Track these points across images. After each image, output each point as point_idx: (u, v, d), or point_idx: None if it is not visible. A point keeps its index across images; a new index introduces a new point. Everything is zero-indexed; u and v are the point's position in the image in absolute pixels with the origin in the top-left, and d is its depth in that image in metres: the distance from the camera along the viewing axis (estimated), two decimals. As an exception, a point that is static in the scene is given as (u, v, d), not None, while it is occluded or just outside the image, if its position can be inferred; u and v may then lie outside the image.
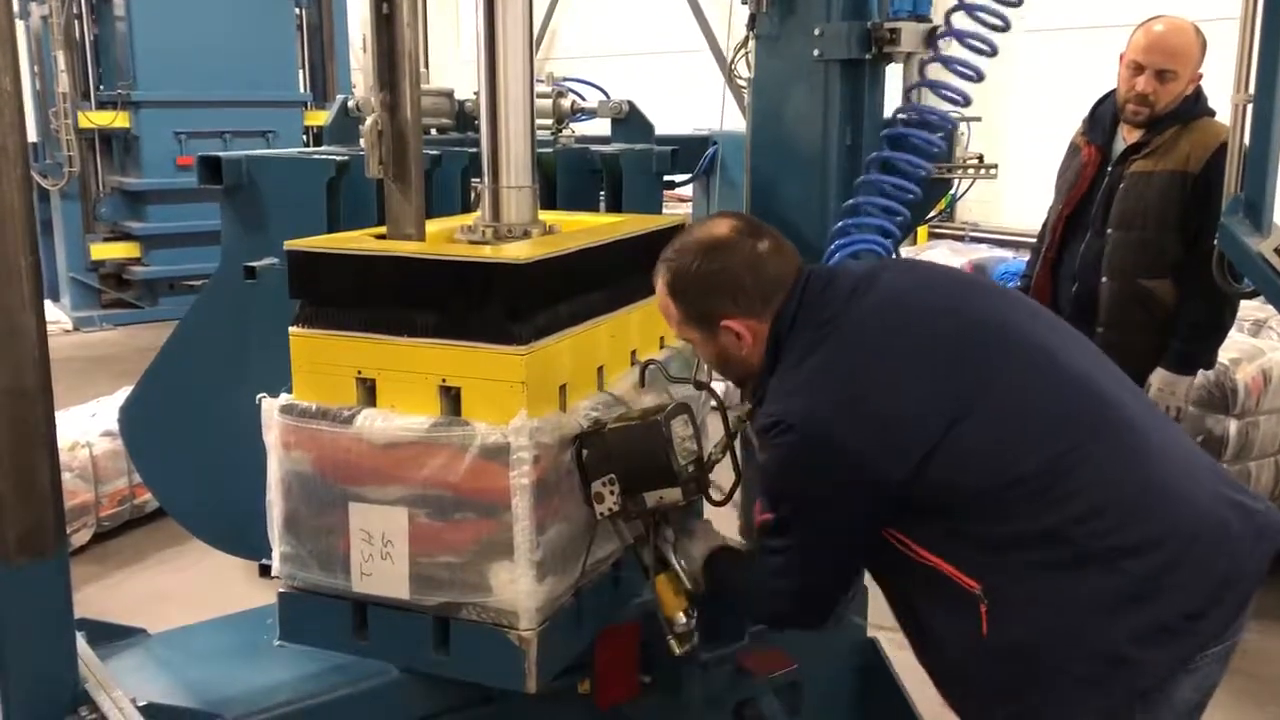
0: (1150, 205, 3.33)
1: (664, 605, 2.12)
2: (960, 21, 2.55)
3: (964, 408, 1.75)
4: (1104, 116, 3.55)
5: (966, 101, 2.60)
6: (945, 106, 2.62)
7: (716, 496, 2.18)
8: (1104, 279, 3.40)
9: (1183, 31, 3.36)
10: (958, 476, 1.75)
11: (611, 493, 2.02)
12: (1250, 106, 2.89)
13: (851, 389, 1.80)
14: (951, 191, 2.81)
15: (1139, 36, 3.42)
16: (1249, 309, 5.18)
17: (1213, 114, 3.41)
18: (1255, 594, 1.79)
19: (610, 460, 2.01)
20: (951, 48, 2.59)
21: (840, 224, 2.59)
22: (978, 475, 1.75)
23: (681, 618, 2.12)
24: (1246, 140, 2.92)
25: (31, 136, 8.67)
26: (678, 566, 2.10)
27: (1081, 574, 1.71)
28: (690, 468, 2.05)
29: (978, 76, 2.55)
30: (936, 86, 2.60)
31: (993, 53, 2.53)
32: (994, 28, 2.53)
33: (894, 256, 2.60)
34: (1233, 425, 4.29)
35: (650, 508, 2.05)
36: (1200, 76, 3.40)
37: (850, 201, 2.60)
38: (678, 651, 2.15)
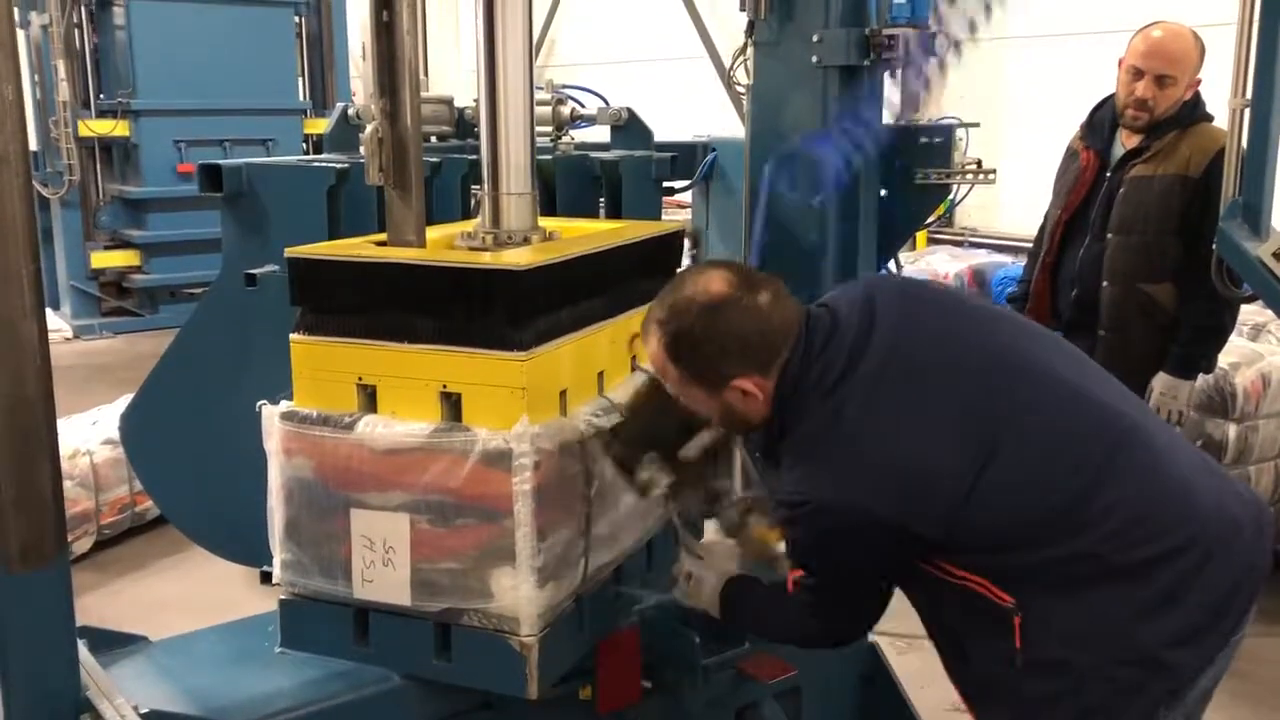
0: (1150, 210, 3.34)
1: (767, 544, 2.11)
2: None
3: (989, 451, 1.76)
4: (1102, 122, 3.56)
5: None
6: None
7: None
8: (1105, 283, 3.40)
9: (1181, 37, 3.38)
10: (990, 517, 1.76)
11: (659, 469, 2.02)
12: (1248, 111, 2.90)
13: (875, 458, 1.77)
14: (950, 197, 2.82)
15: (1138, 42, 3.43)
16: (1248, 313, 5.18)
17: (1211, 119, 3.42)
18: (1263, 584, 1.84)
19: (638, 439, 2.03)
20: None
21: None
22: (1010, 513, 1.76)
23: (783, 544, 2.04)
24: (1244, 144, 2.93)
25: (32, 145, 8.67)
26: (750, 503, 2.10)
27: (1115, 586, 1.74)
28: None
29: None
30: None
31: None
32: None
33: (887, 272, 2.60)
34: (1232, 430, 4.29)
35: (696, 459, 2.04)
36: (1199, 82, 3.41)
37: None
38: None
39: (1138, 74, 3.38)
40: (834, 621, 1.99)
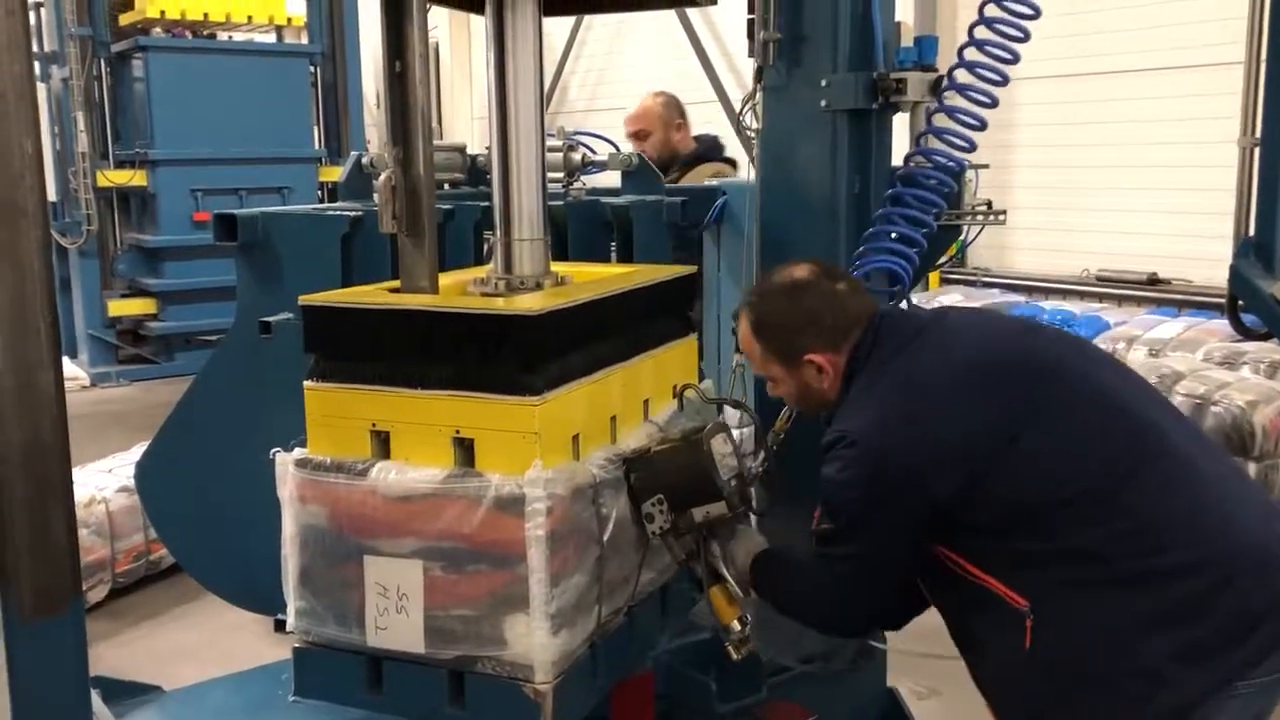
0: None
1: (719, 615, 2.22)
2: (962, 75, 2.58)
3: (1013, 434, 1.88)
4: None
5: (972, 148, 2.62)
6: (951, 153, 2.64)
7: (758, 509, 2.29)
8: None
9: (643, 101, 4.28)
10: (1007, 495, 1.86)
11: (661, 512, 2.14)
12: (1257, 150, 2.91)
13: (908, 412, 1.95)
14: (961, 237, 2.83)
15: None
16: (1265, 350, 5.16)
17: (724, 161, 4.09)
18: None
19: (657, 481, 2.14)
20: (955, 98, 2.61)
21: (861, 248, 2.63)
22: (1025, 495, 1.86)
23: (736, 625, 2.22)
24: (1252, 182, 2.94)
25: (51, 196, 8.79)
26: (728, 577, 2.19)
27: (1123, 594, 1.80)
28: (732, 482, 2.16)
29: (981, 124, 2.57)
30: (942, 133, 2.63)
31: (993, 104, 2.55)
32: (993, 82, 2.55)
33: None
34: (1252, 468, 4.26)
35: (698, 523, 2.16)
36: (682, 125, 4.25)
37: (869, 230, 2.64)
38: (735, 658, 2.24)
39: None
40: (854, 588, 2.03)
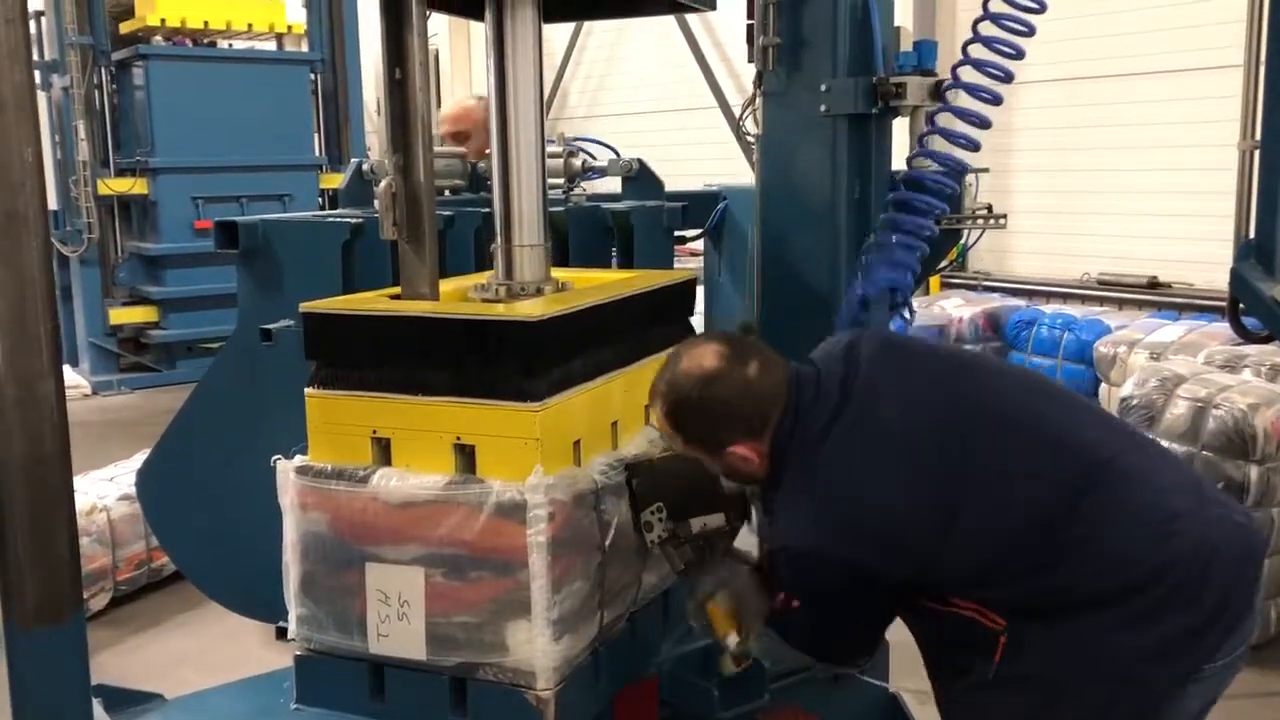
0: None
1: (715, 626, 2.18)
2: (966, 73, 2.57)
3: (953, 504, 1.87)
4: None
5: (975, 147, 2.61)
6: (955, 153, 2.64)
7: (759, 521, 2.25)
8: None
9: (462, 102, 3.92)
10: (965, 558, 1.88)
11: (660, 520, 2.12)
12: (1257, 153, 2.91)
13: (846, 510, 1.91)
14: (962, 241, 2.83)
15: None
16: (1266, 353, 5.16)
17: None
18: (1255, 605, 1.91)
19: (658, 489, 2.13)
20: (959, 98, 2.61)
21: (862, 258, 2.62)
22: (979, 558, 1.88)
23: (733, 637, 2.17)
24: (1252, 185, 2.94)
25: (52, 204, 8.82)
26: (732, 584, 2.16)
27: (1088, 609, 1.83)
28: (732, 495, 2.14)
29: (985, 124, 2.57)
30: (947, 134, 2.62)
31: (996, 101, 2.54)
32: (996, 78, 2.55)
33: (902, 312, 2.64)
34: (1254, 471, 4.24)
35: (696, 533, 2.14)
36: None
37: (871, 240, 2.63)
38: (732, 669, 2.24)
39: (444, 140, 3.77)
40: (828, 646, 2.09)
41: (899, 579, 1.92)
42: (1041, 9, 2.45)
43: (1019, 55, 2.48)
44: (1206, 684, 1.87)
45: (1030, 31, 2.47)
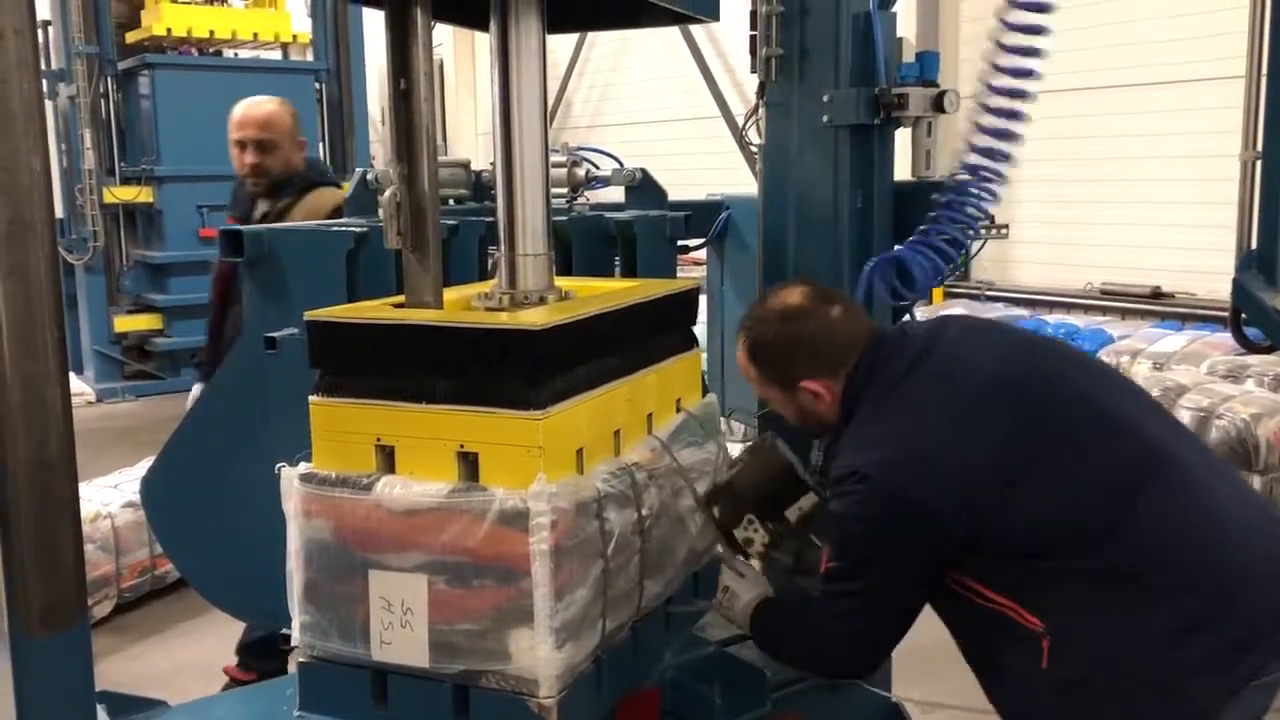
0: None
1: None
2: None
3: (1020, 465, 1.88)
4: (242, 194, 3.81)
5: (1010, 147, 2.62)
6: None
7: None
8: None
9: (261, 105, 3.74)
10: (1017, 525, 1.86)
11: (757, 530, 2.15)
12: (1258, 164, 2.92)
13: (921, 446, 1.92)
14: (965, 251, 2.83)
15: (233, 115, 3.73)
16: (1269, 363, 5.16)
17: (336, 185, 3.65)
18: None
19: (743, 502, 2.15)
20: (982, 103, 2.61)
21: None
22: (1035, 523, 1.86)
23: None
24: (1254, 195, 2.94)
25: (58, 213, 8.84)
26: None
27: (1138, 610, 1.81)
28: (813, 475, 2.19)
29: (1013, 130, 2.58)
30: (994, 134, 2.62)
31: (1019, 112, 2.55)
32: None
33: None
34: (1257, 481, 4.25)
35: (795, 522, 2.16)
36: (304, 145, 3.76)
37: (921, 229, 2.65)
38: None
39: (242, 146, 3.69)
40: (863, 626, 2.00)
41: (953, 524, 1.87)
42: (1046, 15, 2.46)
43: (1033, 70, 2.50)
44: (1248, 701, 1.84)
45: (1042, 34, 2.49)
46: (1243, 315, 3.02)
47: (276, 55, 10.11)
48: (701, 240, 3.38)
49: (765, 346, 2.13)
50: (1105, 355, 6.91)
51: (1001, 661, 1.93)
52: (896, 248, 2.62)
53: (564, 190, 3.12)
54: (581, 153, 3.30)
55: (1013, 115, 2.54)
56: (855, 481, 1.92)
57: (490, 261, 2.85)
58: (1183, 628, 1.79)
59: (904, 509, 1.89)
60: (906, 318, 3.05)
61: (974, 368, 2.01)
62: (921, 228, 2.65)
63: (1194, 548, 1.83)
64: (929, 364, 2.01)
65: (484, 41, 2.36)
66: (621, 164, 3.27)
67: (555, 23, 2.35)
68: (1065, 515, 1.86)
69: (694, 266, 5.53)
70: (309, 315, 2.13)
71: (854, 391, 2.04)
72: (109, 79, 9.09)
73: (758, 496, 2.14)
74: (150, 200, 9.01)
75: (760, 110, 2.84)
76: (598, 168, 3.23)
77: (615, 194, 3.29)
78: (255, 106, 3.78)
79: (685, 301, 2.58)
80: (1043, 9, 2.46)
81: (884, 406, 1.99)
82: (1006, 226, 2.78)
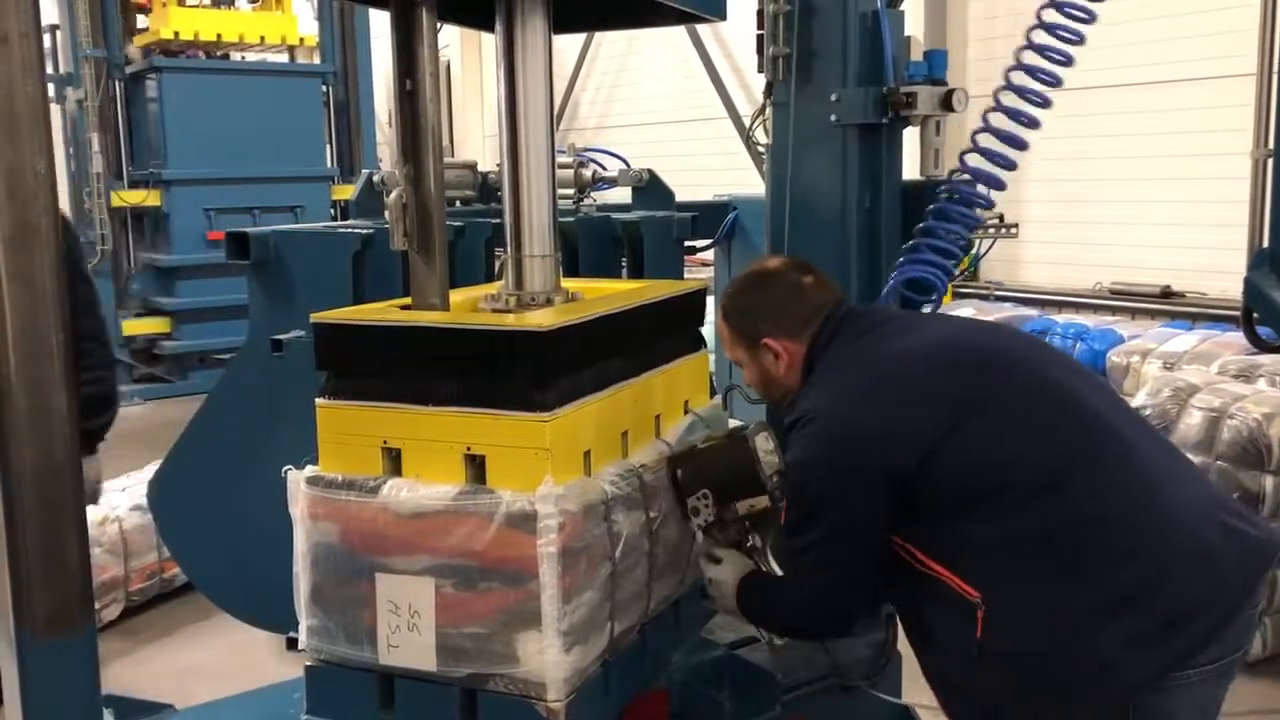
0: None
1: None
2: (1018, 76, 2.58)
3: (963, 417, 1.94)
4: None
5: (1018, 148, 2.62)
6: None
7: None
8: None
9: None
10: (961, 474, 1.91)
11: (706, 505, 2.22)
12: (1270, 161, 2.90)
13: (867, 388, 2.03)
14: (973, 251, 2.82)
15: None
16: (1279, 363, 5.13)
17: None
18: (1245, 612, 1.88)
19: (703, 476, 2.21)
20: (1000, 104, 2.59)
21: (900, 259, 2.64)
22: (973, 477, 1.91)
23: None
24: (1265, 194, 2.92)
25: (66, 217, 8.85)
26: (774, 567, 2.23)
27: (1070, 582, 1.84)
28: (774, 477, 2.20)
29: (1031, 124, 2.58)
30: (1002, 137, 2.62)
31: (1047, 105, 2.55)
32: (1047, 83, 2.56)
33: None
34: (1269, 481, 4.21)
35: (741, 515, 2.23)
36: None
37: (910, 243, 2.66)
38: (778, 645, 2.34)
39: None
40: (825, 577, 2.04)
41: (900, 462, 1.91)
42: (1091, 19, 2.46)
43: (1068, 63, 2.49)
44: (1194, 690, 1.84)
45: (1080, 40, 2.48)
46: (1254, 314, 3.00)
47: (284, 58, 10.12)
48: (709, 241, 3.38)
49: (735, 301, 2.24)
50: (1115, 355, 6.88)
51: (938, 633, 1.96)
52: (906, 267, 2.60)
53: (571, 191, 3.12)
54: (588, 154, 3.30)
55: (1031, 123, 2.54)
56: (805, 424, 2.00)
57: (496, 263, 2.84)
58: (1113, 603, 1.81)
59: (849, 440, 1.96)
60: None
61: (930, 334, 2.13)
62: (920, 225, 2.63)
63: (1130, 524, 1.86)
64: (890, 328, 2.13)
65: (491, 43, 2.36)
66: (628, 165, 3.27)
67: (561, 23, 2.35)
68: (1002, 471, 1.90)
69: (701, 267, 5.52)
70: (315, 317, 2.12)
71: (813, 355, 2.14)
72: (116, 82, 9.12)
73: (716, 477, 2.21)
74: (158, 204, 9.03)
75: (767, 110, 2.83)
76: (604, 169, 3.23)
77: (622, 195, 3.29)
78: None
79: (693, 303, 2.57)
80: (1087, 19, 2.46)
81: (838, 362, 2.10)
82: (1016, 226, 2.77)
